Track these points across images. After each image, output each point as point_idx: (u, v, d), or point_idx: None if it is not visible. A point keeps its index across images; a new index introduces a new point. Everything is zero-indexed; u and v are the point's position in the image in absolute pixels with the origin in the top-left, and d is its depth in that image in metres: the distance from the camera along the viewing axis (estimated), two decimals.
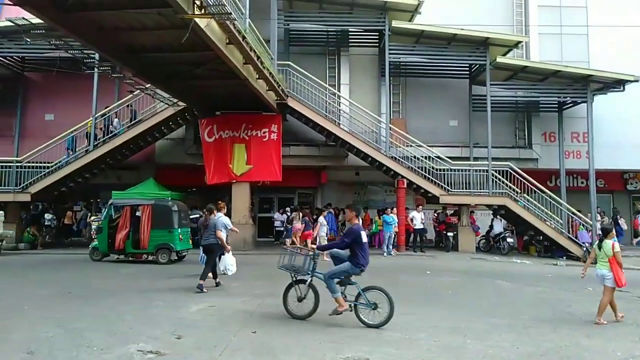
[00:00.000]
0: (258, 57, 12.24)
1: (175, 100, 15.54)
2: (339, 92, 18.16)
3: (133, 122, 16.70)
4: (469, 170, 16.67)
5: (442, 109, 19.03)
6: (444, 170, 16.44)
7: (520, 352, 5.49)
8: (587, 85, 16.73)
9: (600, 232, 7.56)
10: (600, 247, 7.24)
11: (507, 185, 16.42)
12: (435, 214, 18.53)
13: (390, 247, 15.46)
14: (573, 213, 16.50)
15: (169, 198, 14.00)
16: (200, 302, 7.68)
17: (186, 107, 16.10)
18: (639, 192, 21.28)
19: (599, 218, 17.41)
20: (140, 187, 14.95)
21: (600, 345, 5.79)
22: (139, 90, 15.25)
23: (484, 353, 5.38)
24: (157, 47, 11.25)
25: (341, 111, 17.58)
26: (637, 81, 16.05)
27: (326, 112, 16.66)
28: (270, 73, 13.65)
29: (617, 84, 16.58)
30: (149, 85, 14.34)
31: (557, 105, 18.54)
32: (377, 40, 18.40)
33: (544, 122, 19.32)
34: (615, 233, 7.70)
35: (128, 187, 15.21)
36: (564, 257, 15.86)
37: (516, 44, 17.01)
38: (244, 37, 10.93)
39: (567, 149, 18.74)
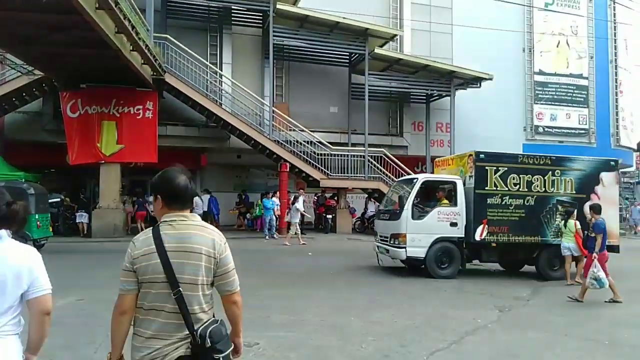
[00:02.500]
0: (133, 27, 11.21)
1: (30, 68, 13.62)
2: (221, 71, 17.53)
3: None
4: (347, 155, 17.41)
5: (324, 95, 19.48)
6: (324, 155, 16.93)
7: (399, 325, 5.90)
8: (451, 81, 18.47)
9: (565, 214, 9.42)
10: (565, 225, 9.14)
11: (381, 170, 17.50)
12: (316, 197, 19.06)
13: (273, 230, 15.54)
14: None
15: (23, 180, 12.31)
16: (66, 295, 6.90)
17: (44, 76, 14.20)
18: None
19: None
20: None
21: (464, 315, 6.47)
22: None
23: (368, 329, 5.67)
24: (5, 4, 9.67)
25: (223, 91, 17.02)
26: (491, 79, 18.15)
27: (207, 91, 16.01)
28: (147, 45, 12.63)
29: (475, 81, 18.59)
30: None
31: (425, 97, 20.17)
32: (260, 21, 18.08)
33: (414, 112, 20.90)
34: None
35: None
36: None
37: (392, 37, 18.06)
38: (116, 3, 9.91)
39: (432, 138, 20.55)
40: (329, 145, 17.07)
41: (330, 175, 16.91)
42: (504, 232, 9.51)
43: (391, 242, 9.65)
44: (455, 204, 9.56)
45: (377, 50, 17.21)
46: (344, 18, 16.38)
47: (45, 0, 8.04)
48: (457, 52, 20.55)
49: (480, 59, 19.32)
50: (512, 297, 7.79)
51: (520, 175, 9.63)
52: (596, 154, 24.08)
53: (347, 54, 18.66)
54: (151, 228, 2.15)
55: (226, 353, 2.11)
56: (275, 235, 15.46)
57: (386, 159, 17.62)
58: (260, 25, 18.19)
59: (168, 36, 15.46)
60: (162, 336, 2.05)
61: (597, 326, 6.10)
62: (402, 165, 17.70)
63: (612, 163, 10.48)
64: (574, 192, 9.84)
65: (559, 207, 9.68)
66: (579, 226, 9.04)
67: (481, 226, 9.40)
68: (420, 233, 9.17)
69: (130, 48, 12.18)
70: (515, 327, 6.01)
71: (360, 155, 17.43)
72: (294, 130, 16.80)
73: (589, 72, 23.55)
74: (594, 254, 7.32)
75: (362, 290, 8.22)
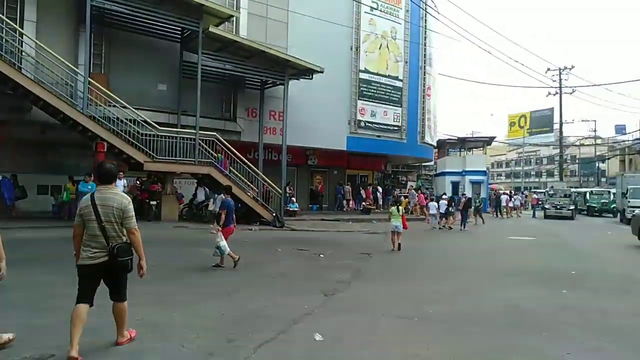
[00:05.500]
0: None
1: None
2: (22, 29, 14.67)
3: None
4: (176, 137, 16.30)
5: (151, 71, 17.88)
6: (150, 135, 15.56)
7: (226, 318, 5.60)
8: (285, 70, 18.68)
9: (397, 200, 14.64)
10: (397, 209, 12.72)
11: (212, 155, 16.86)
12: (139, 182, 17.50)
13: None
14: (267, 182, 18.39)
15: None
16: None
17: None
18: (316, 166, 25.49)
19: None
20: None
21: (292, 302, 6.48)
22: None
23: (192, 324, 5.24)
24: None
25: (24, 54, 14.30)
26: (322, 72, 18.89)
27: (1, 50, 13.24)
28: None
29: (308, 72, 19.13)
30: None
31: (260, 84, 20.06)
32: None
33: (248, 98, 20.62)
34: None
35: None
36: (258, 223, 17.49)
37: (228, 17, 17.41)
38: None
39: (266, 125, 20.59)
40: (155, 125, 15.73)
41: (156, 158, 15.63)
42: None
43: None
44: None
45: (212, 29, 16.39)
46: None
47: None
48: (292, 42, 20.83)
49: (313, 52, 19.81)
50: (335, 281, 8.14)
51: None
52: (407, 150, 27.48)
53: (179, 29, 17.37)
54: (90, 193, 4.28)
55: (125, 259, 4.22)
56: None
57: (218, 143, 17.04)
58: None
59: None
60: (96, 247, 4.14)
61: (408, 304, 6.69)
62: (235, 151, 17.35)
63: None
64: None
65: None
66: (403, 211, 13.14)
67: None
68: None
69: None
70: (339, 311, 6.23)
71: (191, 139, 16.50)
72: (114, 106, 15.02)
73: (403, 75, 26.36)
74: (219, 227, 8.94)
75: (187, 282, 7.71)
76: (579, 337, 5.35)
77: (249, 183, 17.77)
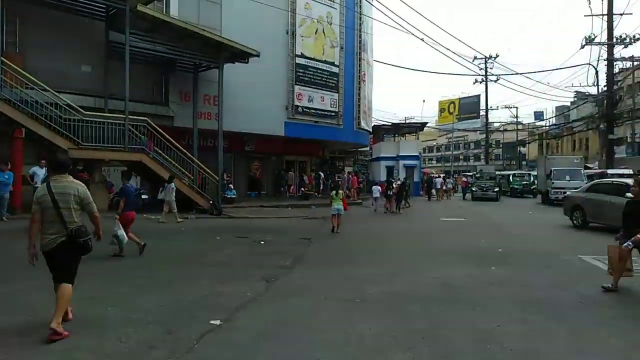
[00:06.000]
0: None
1: None
2: None
3: None
4: (104, 123, 15.39)
5: (74, 52, 16.64)
6: (74, 120, 14.57)
7: (165, 310, 5.43)
8: (219, 53, 18.12)
9: (335, 187, 14.29)
10: (337, 193, 13.18)
11: (139, 137, 16.11)
12: None
13: (4, 210, 12.68)
14: (203, 169, 17.91)
15: None
16: None
17: None
18: (254, 152, 25.15)
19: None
20: None
21: (233, 290, 6.39)
22: None
23: (129, 318, 5.03)
24: None
25: None
26: (258, 55, 18.53)
27: None
28: None
29: (243, 56, 18.69)
30: None
31: (193, 67, 19.35)
32: None
33: (181, 81, 19.84)
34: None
35: None
36: (194, 211, 17.02)
37: None
38: None
39: (200, 110, 19.95)
40: (80, 109, 14.75)
41: (82, 145, 14.69)
42: None
43: None
44: None
45: (140, 8, 15.46)
46: None
47: None
48: (226, 24, 20.22)
49: (249, 35, 19.41)
50: (277, 267, 8.12)
51: None
52: (343, 135, 27.81)
53: (104, 6, 16.27)
54: (45, 182, 4.65)
55: (84, 239, 4.64)
56: (5, 218, 12.65)
57: (149, 129, 16.30)
58: None
59: None
60: (53, 232, 4.50)
61: (349, 286, 6.82)
62: (168, 137, 16.70)
63: None
64: None
65: None
66: (343, 195, 13.74)
67: None
68: None
69: None
70: (282, 296, 6.22)
71: (120, 124, 15.64)
72: (32, 88, 13.88)
73: (339, 60, 26.52)
74: (117, 215, 8.55)
75: (121, 274, 7.38)
76: (507, 310, 5.73)
77: (184, 170, 17.21)
